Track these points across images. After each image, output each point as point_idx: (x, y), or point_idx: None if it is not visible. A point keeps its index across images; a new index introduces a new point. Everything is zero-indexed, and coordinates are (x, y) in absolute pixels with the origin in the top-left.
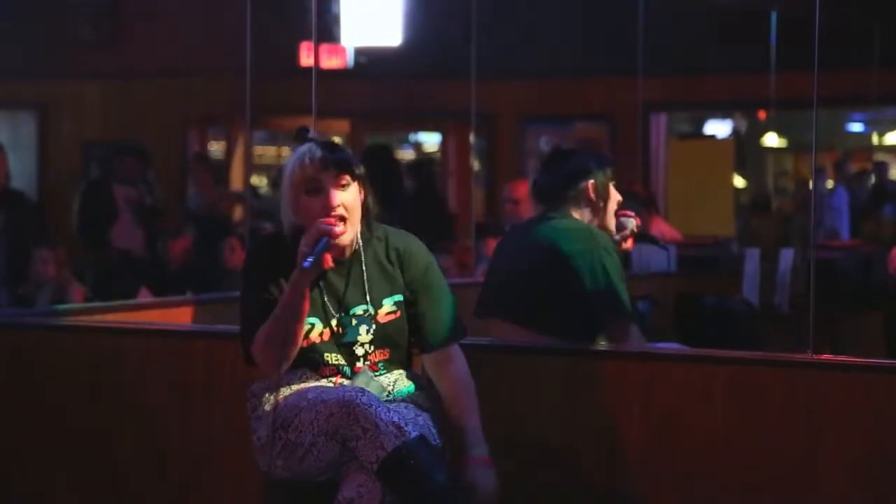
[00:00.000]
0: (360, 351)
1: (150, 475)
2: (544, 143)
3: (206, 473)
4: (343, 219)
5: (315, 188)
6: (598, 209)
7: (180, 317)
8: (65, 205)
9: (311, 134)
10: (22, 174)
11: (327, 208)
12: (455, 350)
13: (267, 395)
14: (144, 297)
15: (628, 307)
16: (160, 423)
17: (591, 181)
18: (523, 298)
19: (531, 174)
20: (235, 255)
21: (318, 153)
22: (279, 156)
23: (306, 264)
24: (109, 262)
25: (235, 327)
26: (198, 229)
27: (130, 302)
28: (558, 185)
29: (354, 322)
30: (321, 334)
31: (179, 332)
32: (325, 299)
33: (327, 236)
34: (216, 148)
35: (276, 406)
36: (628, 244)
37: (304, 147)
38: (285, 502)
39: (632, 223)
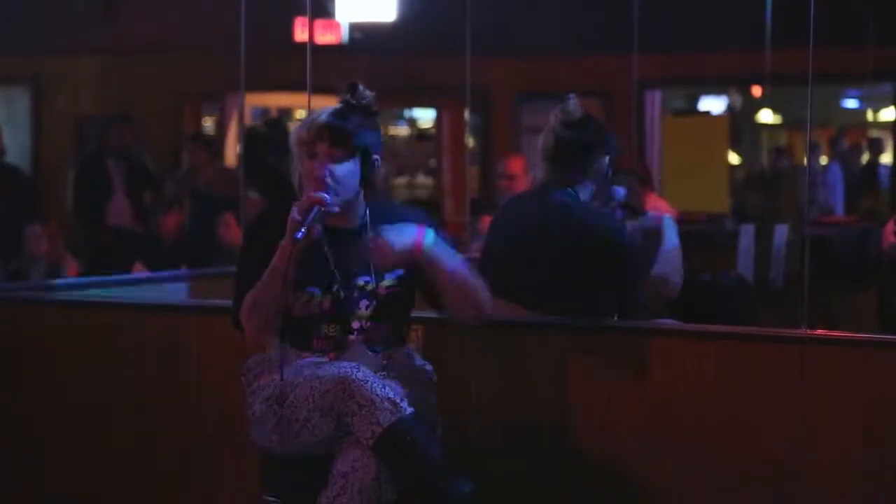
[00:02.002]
0: (355, 325)
1: (145, 448)
2: (574, 106)
3: (201, 447)
4: (328, 188)
5: (311, 153)
6: (603, 185)
7: (175, 292)
8: (59, 180)
9: (358, 92)
10: (16, 149)
11: (316, 178)
12: None
13: (262, 370)
14: (139, 272)
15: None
16: (154, 397)
17: (608, 157)
18: (529, 280)
19: (526, 150)
20: (230, 230)
21: (321, 119)
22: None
23: (299, 235)
24: (104, 237)
25: (230, 302)
26: (195, 205)
27: (125, 276)
28: (580, 149)
29: (356, 294)
30: (321, 303)
31: (173, 306)
32: (330, 269)
33: (318, 205)
34: (210, 124)
35: (271, 381)
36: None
37: (321, 110)
38: (281, 476)
39: (620, 193)
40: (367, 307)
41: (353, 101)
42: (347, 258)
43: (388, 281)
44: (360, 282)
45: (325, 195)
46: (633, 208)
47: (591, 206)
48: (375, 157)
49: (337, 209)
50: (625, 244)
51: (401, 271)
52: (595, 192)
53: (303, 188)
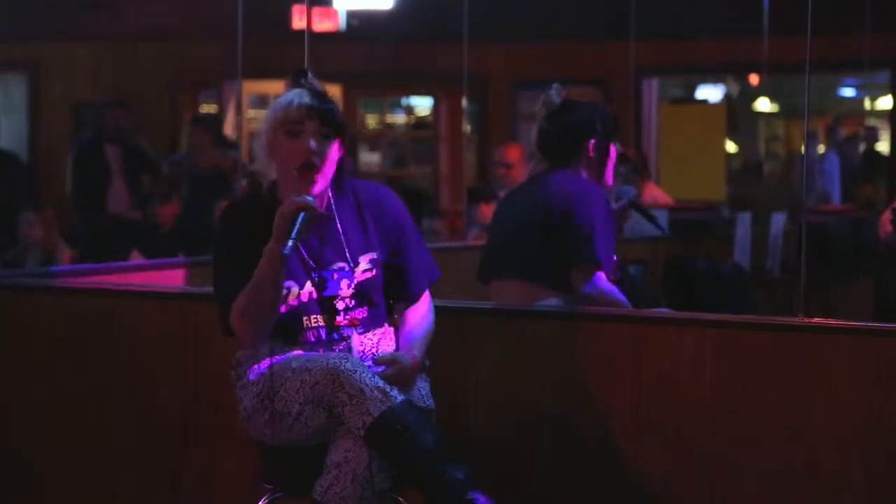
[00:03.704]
0: (340, 305)
1: (142, 436)
2: (555, 94)
3: (198, 434)
4: (314, 167)
5: (295, 131)
6: (597, 167)
7: (172, 279)
8: (56, 167)
9: (309, 79)
10: (13, 136)
11: (303, 152)
12: (426, 293)
13: (251, 363)
14: (136, 259)
15: (597, 256)
16: (152, 384)
17: (594, 140)
18: (533, 255)
19: (523, 138)
20: None
21: (306, 100)
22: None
23: (286, 251)
24: (101, 224)
25: None
26: (194, 191)
27: (122, 263)
28: (562, 137)
29: (336, 276)
30: (299, 296)
31: (171, 293)
32: (304, 260)
33: (304, 211)
34: (208, 111)
35: (260, 376)
36: (624, 214)
37: (294, 92)
38: (277, 466)
39: (631, 193)
40: (348, 286)
41: (309, 87)
42: (320, 246)
43: (363, 265)
44: (336, 266)
45: (309, 198)
46: (643, 211)
47: (578, 178)
48: (346, 143)
49: (323, 211)
50: (584, 213)
51: (374, 254)
52: (591, 175)
53: (281, 173)
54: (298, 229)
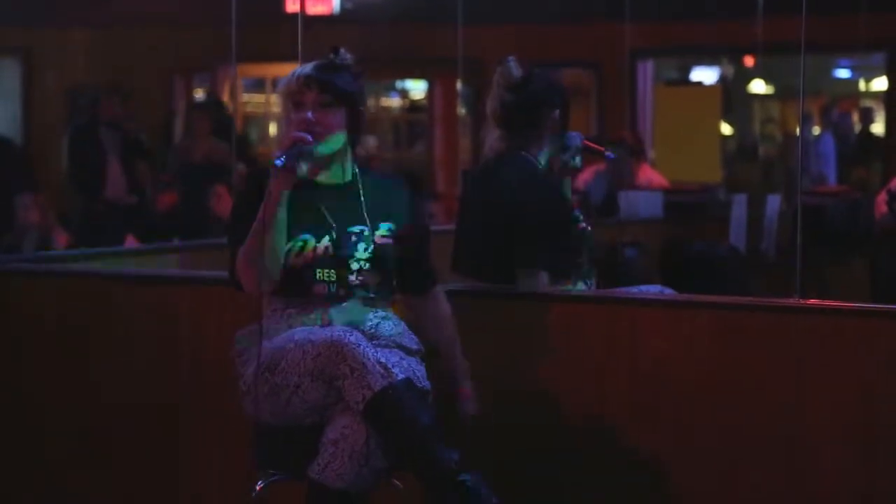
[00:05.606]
0: (354, 265)
1: (137, 421)
2: (515, 67)
3: (194, 419)
4: (314, 133)
5: (299, 102)
6: (553, 139)
7: (167, 263)
8: (51, 151)
9: (340, 55)
10: (7, 121)
11: (301, 122)
12: (438, 291)
13: (254, 340)
14: (131, 244)
15: (538, 259)
16: (147, 369)
17: (557, 111)
18: (488, 254)
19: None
20: (222, 202)
21: (306, 70)
22: (266, 102)
23: (278, 162)
24: (96, 208)
25: (222, 273)
26: (189, 177)
27: (117, 248)
28: (526, 109)
29: (353, 238)
30: (314, 249)
31: (166, 278)
32: (323, 217)
33: (300, 143)
34: (201, 95)
35: (262, 350)
36: (577, 163)
37: (302, 66)
38: (272, 446)
39: (577, 139)
40: (365, 249)
41: (337, 61)
42: (341, 210)
43: (382, 230)
44: (357, 229)
45: (307, 136)
46: (591, 148)
47: (529, 172)
48: (361, 108)
49: (320, 150)
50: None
51: (392, 225)
52: (550, 147)
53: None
54: (293, 153)
